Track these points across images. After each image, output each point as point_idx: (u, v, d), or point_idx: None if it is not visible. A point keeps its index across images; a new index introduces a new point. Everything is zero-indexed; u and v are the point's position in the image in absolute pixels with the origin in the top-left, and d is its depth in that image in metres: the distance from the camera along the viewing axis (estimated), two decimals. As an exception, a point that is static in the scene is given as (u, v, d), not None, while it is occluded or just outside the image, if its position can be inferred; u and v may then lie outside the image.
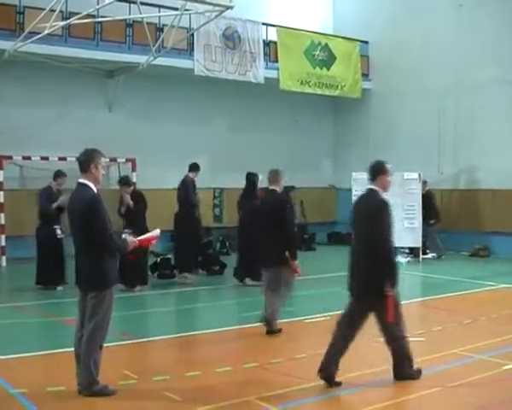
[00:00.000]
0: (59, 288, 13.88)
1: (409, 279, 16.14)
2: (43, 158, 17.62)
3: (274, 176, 10.98)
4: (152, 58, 17.73)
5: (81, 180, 7.34)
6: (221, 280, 16.07)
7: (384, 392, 7.53)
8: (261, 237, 10.55)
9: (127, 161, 18.76)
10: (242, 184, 21.14)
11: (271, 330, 10.27)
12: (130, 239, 7.53)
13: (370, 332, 10.23)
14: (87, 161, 7.31)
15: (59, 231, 13.89)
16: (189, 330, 10.61)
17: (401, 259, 19.24)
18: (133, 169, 18.97)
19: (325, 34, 23.19)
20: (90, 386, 7.22)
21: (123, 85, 19.70)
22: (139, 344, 9.49)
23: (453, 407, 7.01)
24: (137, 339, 9.38)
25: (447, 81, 21.12)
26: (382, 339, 7.79)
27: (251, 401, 7.08)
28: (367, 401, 7.15)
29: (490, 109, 19.97)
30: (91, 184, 7.29)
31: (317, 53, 22.28)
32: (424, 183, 19.58)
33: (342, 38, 23.35)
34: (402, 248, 19.82)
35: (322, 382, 7.68)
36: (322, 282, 15.65)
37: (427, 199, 19.46)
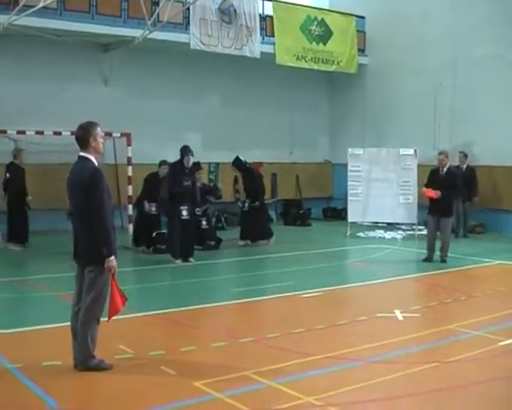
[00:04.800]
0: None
1: (404, 255, 16.17)
2: (37, 132, 17.49)
3: None
4: (147, 32, 17.60)
5: (82, 153, 7.29)
6: (217, 255, 16.06)
7: (380, 367, 7.53)
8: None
9: (122, 135, 18.66)
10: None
11: None
12: (113, 261, 7.22)
13: (370, 308, 10.37)
14: (85, 136, 7.26)
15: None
16: (184, 305, 10.56)
17: (397, 235, 19.31)
18: (128, 144, 18.88)
19: (321, 9, 23.03)
20: (86, 361, 7.21)
21: (118, 60, 19.57)
22: (134, 319, 9.47)
23: (449, 383, 7.01)
24: (133, 314, 9.37)
25: (444, 58, 21.05)
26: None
27: (247, 376, 7.08)
28: (363, 377, 7.14)
29: (486, 86, 19.91)
30: (92, 158, 7.25)
31: (314, 28, 22.15)
32: (465, 156, 19.25)
33: (339, 12, 23.18)
34: (397, 224, 19.88)
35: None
36: (318, 257, 15.61)
37: (469, 174, 18.98)
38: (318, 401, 6.41)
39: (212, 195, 17.50)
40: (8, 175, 16.19)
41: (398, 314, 9.89)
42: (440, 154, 15.12)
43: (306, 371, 7.33)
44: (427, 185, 15.06)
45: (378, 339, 8.59)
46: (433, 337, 8.79)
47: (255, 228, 17.71)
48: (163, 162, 16.02)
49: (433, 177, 15.03)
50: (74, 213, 7.46)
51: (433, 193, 14.53)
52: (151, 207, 15.83)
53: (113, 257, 7.20)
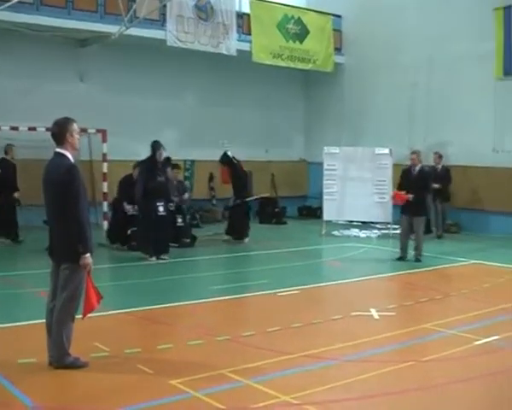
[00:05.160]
0: None
1: (379, 254, 16.23)
2: (12, 128, 17.32)
3: None
4: (124, 28, 17.48)
5: (58, 149, 7.24)
6: (192, 252, 16.02)
7: (356, 366, 7.55)
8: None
9: (98, 131, 18.55)
10: (214, 156, 21.23)
11: None
12: (88, 258, 7.18)
13: (345, 307, 10.40)
14: (61, 132, 7.21)
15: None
16: (159, 302, 10.52)
17: (371, 233, 19.39)
18: (104, 140, 18.78)
19: (298, 8, 23.04)
20: (61, 358, 7.17)
21: (95, 55, 19.48)
22: (110, 316, 9.41)
23: (425, 382, 7.04)
24: (108, 311, 9.31)
25: (419, 56, 21.16)
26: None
27: (224, 374, 7.07)
28: (339, 376, 7.17)
29: (461, 85, 20.07)
30: (68, 154, 7.21)
31: (290, 26, 22.15)
32: (440, 157, 19.27)
33: (315, 11, 23.20)
34: (372, 222, 19.95)
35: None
36: (294, 255, 15.63)
37: (444, 175, 19.01)
38: (295, 399, 6.41)
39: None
40: None
41: (374, 313, 9.93)
42: (413, 153, 15.21)
43: (282, 369, 7.33)
44: (399, 185, 15.16)
45: (354, 338, 8.61)
46: (408, 336, 8.83)
47: (236, 226, 17.84)
48: (137, 164, 15.97)
49: (405, 176, 15.12)
50: (49, 209, 7.39)
51: (405, 197, 14.62)
52: (131, 208, 15.76)
53: (88, 254, 7.16)
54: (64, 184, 7.04)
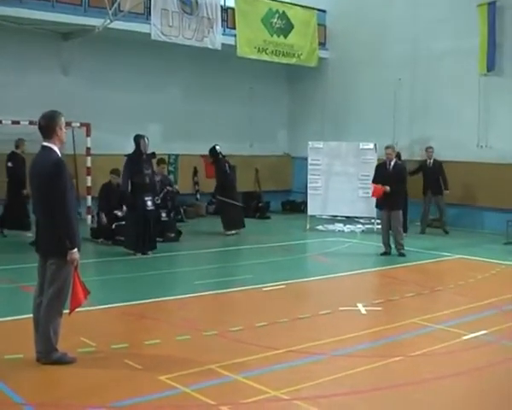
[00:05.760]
0: None
1: (364, 249, 16.26)
2: (-4, 121, 17.21)
3: None
4: (108, 21, 17.39)
5: (45, 143, 7.17)
6: (177, 247, 15.98)
7: (344, 361, 7.55)
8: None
9: (82, 125, 18.45)
10: (198, 151, 21.23)
11: None
12: (76, 253, 7.13)
13: (332, 301, 10.41)
14: (50, 125, 7.15)
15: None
16: (145, 297, 10.47)
17: (356, 228, 19.43)
18: (87, 134, 18.68)
19: (283, 2, 22.98)
20: (49, 354, 7.12)
21: (78, 49, 19.32)
22: (95, 311, 9.37)
23: (414, 377, 7.06)
24: (94, 306, 9.25)
25: (404, 52, 21.21)
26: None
27: (213, 370, 7.04)
28: (328, 371, 7.17)
29: (445, 81, 20.14)
30: (56, 148, 7.15)
31: (275, 21, 22.12)
32: (429, 149, 18.96)
33: (300, 6, 23.17)
34: (356, 217, 19.98)
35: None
36: (279, 250, 15.62)
37: (437, 168, 18.77)
38: (285, 395, 6.40)
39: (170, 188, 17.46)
40: (10, 164, 16.16)
41: (361, 308, 9.94)
42: (387, 148, 15.27)
43: (271, 364, 7.32)
44: (374, 180, 15.21)
45: (341, 333, 8.63)
46: (396, 331, 8.84)
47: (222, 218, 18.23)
48: (114, 171, 15.96)
49: (380, 171, 15.20)
50: (36, 203, 7.34)
51: (381, 189, 14.67)
52: (117, 213, 15.80)
53: (75, 249, 7.11)
54: (51, 178, 6.98)
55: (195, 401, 6.25)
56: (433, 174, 18.62)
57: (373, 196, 15.40)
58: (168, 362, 7.32)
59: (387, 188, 14.60)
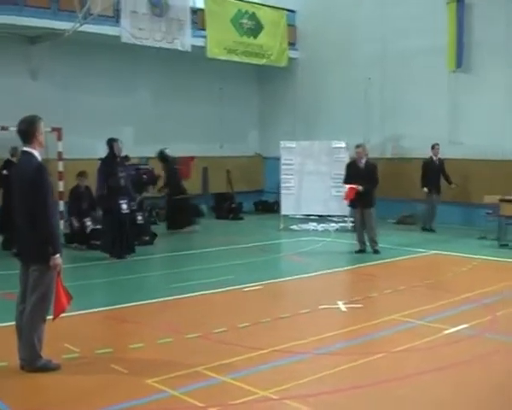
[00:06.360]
0: None
1: (339, 247, 16.33)
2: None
3: None
4: (78, 25, 17.28)
5: (26, 148, 7.13)
6: (152, 250, 15.94)
7: (328, 359, 7.61)
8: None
9: (53, 130, 18.28)
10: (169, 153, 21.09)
11: None
12: (58, 259, 7.09)
13: (312, 300, 10.45)
14: (30, 130, 7.12)
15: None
16: (124, 301, 10.46)
17: (329, 227, 19.51)
18: (59, 138, 18.54)
19: (252, 2, 23.03)
20: (33, 361, 7.07)
21: (47, 53, 19.10)
22: (76, 317, 9.28)
23: (398, 373, 7.13)
24: (73, 312, 9.19)
25: (373, 51, 21.36)
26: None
27: (199, 372, 7.05)
28: (313, 370, 7.21)
29: (415, 79, 20.32)
30: (36, 153, 7.12)
31: (245, 21, 22.17)
32: (436, 146, 18.66)
33: (269, 6, 23.25)
34: (329, 216, 20.06)
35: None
36: (255, 251, 15.65)
37: (441, 166, 18.64)
38: (274, 394, 6.44)
39: (149, 184, 17.49)
40: (5, 172, 15.99)
41: (341, 306, 10.01)
42: (358, 147, 15.38)
43: (256, 365, 7.36)
44: (346, 179, 15.30)
45: (323, 331, 8.68)
46: (377, 328, 8.91)
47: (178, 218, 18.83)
48: (81, 173, 15.93)
49: (352, 170, 15.30)
50: (18, 210, 7.27)
51: (354, 189, 14.74)
52: (86, 222, 15.75)
53: (58, 255, 7.07)
54: (34, 183, 6.94)
55: (184, 403, 6.26)
56: (438, 172, 18.60)
57: (346, 199, 15.39)
58: (154, 366, 7.31)
59: (360, 187, 14.69)
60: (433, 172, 18.58)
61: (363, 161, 15.17)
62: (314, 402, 6.35)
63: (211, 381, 6.83)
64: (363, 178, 14.85)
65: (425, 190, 18.42)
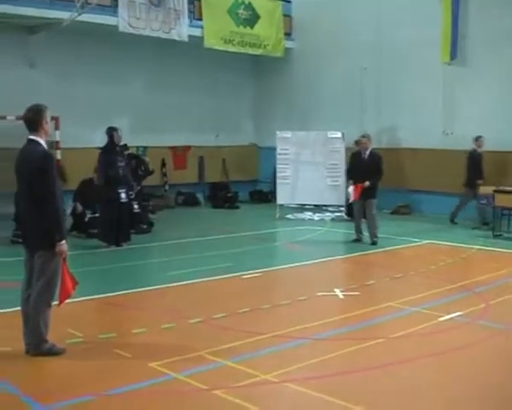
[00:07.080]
0: None
1: (335, 236, 16.48)
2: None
3: None
4: (76, 14, 17.32)
5: (32, 136, 7.26)
6: (150, 238, 16.06)
7: (328, 344, 7.77)
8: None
9: (51, 119, 18.29)
10: (165, 142, 21.29)
11: None
12: (64, 245, 7.24)
13: (310, 288, 10.59)
14: (37, 119, 7.27)
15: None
16: (125, 288, 10.58)
17: (325, 216, 19.65)
18: (56, 127, 18.59)
19: (248, -8, 23.12)
20: (38, 345, 7.20)
21: (45, 42, 19.18)
22: (78, 303, 9.39)
23: (398, 357, 7.28)
24: (76, 298, 9.31)
25: (369, 41, 21.39)
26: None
27: (202, 356, 7.20)
28: (313, 354, 7.35)
29: (410, 68, 20.38)
30: (42, 141, 7.24)
31: (241, 11, 22.21)
32: (479, 139, 17.77)
33: (265, -4, 23.34)
34: (325, 205, 20.21)
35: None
36: (252, 239, 15.78)
37: (477, 158, 17.71)
38: (275, 377, 6.58)
39: (143, 175, 17.55)
40: None
41: (339, 293, 10.16)
42: (363, 137, 15.38)
43: (257, 349, 7.50)
44: (350, 170, 15.37)
45: (322, 317, 8.83)
46: (375, 314, 9.07)
47: None
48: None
49: (355, 160, 15.32)
50: (22, 197, 7.38)
51: (360, 187, 14.78)
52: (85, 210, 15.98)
53: (64, 241, 7.19)
54: (39, 171, 7.05)
55: (188, 386, 6.40)
56: (480, 164, 17.73)
57: (354, 199, 15.25)
58: (157, 350, 7.45)
59: (367, 183, 14.69)
60: (477, 164, 17.63)
61: (368, 151, 15.18)
62: (316, 384, 6.48)
63: (213, 364, 6.97)
64: (367, 169, 14.80)
65: (480, 182, 17.31)
